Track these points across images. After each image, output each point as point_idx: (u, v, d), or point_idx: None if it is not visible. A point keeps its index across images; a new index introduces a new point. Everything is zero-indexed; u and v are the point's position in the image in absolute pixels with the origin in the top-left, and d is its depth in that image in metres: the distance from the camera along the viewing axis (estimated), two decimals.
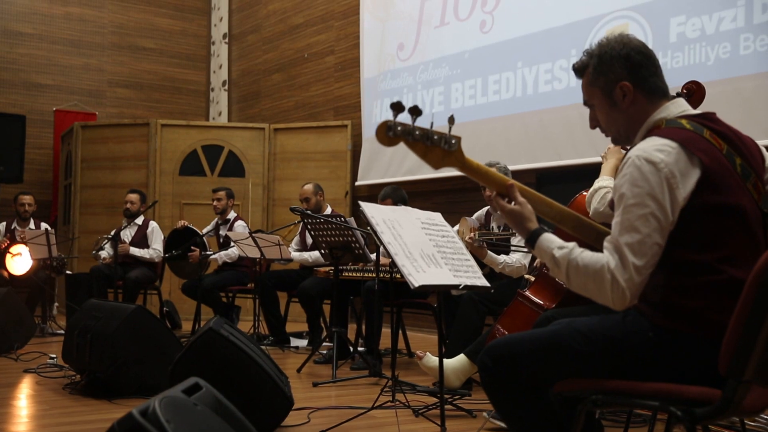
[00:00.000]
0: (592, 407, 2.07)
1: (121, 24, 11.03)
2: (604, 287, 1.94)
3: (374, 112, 8.56)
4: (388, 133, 2.01)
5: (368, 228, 3.78)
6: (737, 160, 2.05)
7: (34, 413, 4.04)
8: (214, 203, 7.22)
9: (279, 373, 3.60)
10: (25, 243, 7.14)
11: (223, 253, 6.97)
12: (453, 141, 2.10)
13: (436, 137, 2.07)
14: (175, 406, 2.11)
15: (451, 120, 2.12)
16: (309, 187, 6.50)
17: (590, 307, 2.95)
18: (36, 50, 10.41)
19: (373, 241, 4.99)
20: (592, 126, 2.29)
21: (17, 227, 7.66)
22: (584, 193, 3.27)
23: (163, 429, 2.02)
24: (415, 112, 2.02)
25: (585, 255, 2.01)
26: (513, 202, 2.17)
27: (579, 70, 2.24)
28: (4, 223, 7.79)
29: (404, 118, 2.03)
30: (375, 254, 4.89)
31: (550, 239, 2.11)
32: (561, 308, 3.33)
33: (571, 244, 2.06)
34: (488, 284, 3.29)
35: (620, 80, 2.14)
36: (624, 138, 2.23)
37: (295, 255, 6.46)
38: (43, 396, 4.37)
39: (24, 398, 4.43)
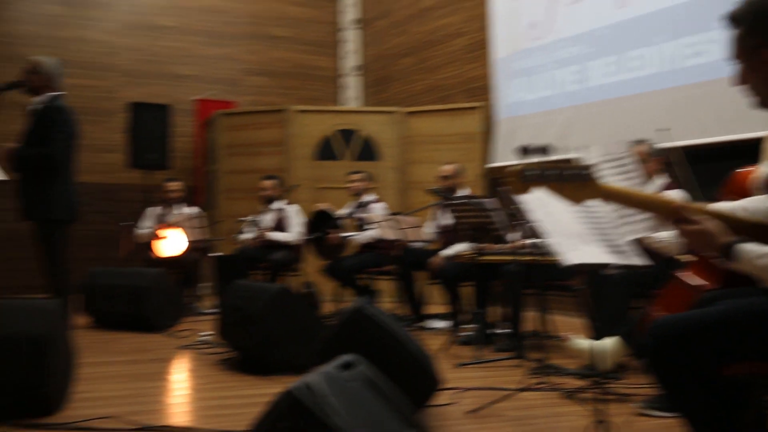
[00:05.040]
0: (764, 392, 1.97)
1: (255, 13, 11.34)
2: None
3: (508, 93, 8.43)
4: (522, 181, 1.92)
5: (512, 208, 3.73)
6: None
7: (194, 385, 4.27)
8: (349, 185, 7.35)
9: (424, 354, 3.62)
10: (178, 226, 7.50)
11: (362, 234, 7.07)
12: (584, 172, 1.95)
13: (568, 173, 1.94)
14: (334, 383, 2.15)
15: (546, 150, 2.01)
16: (450, 167, 6.49)
17: (754, 288, 2.81)
18: (176, 42, 10.84)
19: (512, 222, 4.93)
20: (736, 83, 2.12)
21: (167, 212, 7.99)
22: (740, 171, 3.11)
23: (328, 404, 2.07)
24: (542, 151, 1.93)
25: None
26: (690, 224, 2.01)
27: (734, 19, 2.05)
28: (158, 208, 8.12)
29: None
30: (515, 236, 4.83)
31: (750, 250, 1.95)
32: (723, 289, 3.18)
33: None
34: (646, 263, 3.18)
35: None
36: None
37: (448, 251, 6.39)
38: (200, 371, 4.59)
39: (182, 372, 4.66)
